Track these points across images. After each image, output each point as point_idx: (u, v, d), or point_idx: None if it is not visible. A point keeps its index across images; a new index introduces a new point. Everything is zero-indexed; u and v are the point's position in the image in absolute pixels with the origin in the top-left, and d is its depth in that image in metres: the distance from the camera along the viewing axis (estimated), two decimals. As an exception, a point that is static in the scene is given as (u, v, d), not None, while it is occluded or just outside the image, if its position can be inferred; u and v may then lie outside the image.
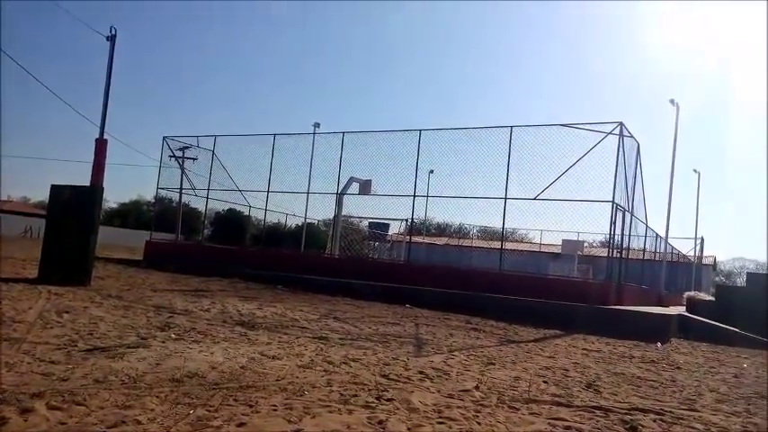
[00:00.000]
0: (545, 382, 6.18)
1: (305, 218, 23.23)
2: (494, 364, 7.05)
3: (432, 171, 20.15)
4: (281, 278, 17.07)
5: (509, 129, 16.97)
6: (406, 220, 20.93)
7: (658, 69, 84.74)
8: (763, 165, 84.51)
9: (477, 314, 13.01)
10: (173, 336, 6.88)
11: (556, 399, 5.33)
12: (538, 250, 34.35)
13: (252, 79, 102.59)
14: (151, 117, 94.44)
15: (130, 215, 59.75)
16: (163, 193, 26.06)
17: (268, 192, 21.96)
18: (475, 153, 17.95)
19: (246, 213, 26.06)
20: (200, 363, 5.45)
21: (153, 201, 32.88)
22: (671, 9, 77.73)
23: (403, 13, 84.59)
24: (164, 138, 24.62)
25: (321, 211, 23.25)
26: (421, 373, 5.96)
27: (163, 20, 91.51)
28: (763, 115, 78.67)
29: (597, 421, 4.66)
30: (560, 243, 29.27)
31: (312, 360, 6.11)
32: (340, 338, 7.94)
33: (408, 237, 21.59)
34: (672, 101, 24.62)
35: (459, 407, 4.70)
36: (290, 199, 22.36)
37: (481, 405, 4.83)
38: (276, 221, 28.44)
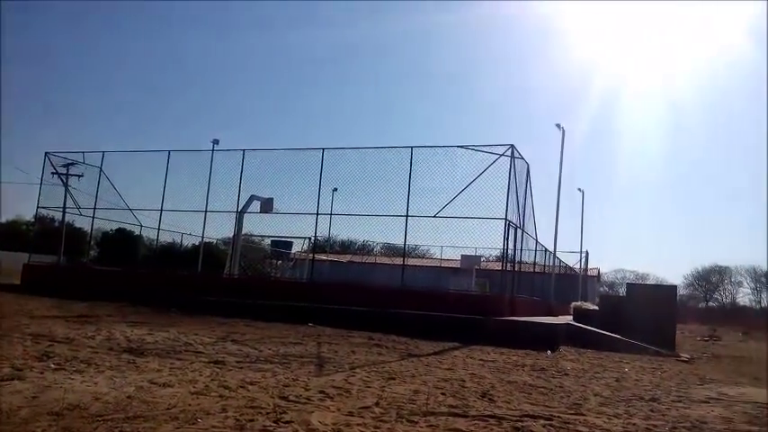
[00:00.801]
0: (443, 393, 6.31)
1: (202, 237, 22.44)
2: (394, 379, 7.12)
3: (335, 189, 20.18)
4: (176, 300, 16.31)
5: (409, 149, 17.45)
6: (310, 239, 20.79)
7: (550, 95, 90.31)
8: (643, 183, 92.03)
9: (380, 330, 13.10)
10: (52, 366, 6.37)
11: (453, 410, 5.46)
12: (439, 266, 35.21)
13: (148, 92, 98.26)
14: (33, 132, 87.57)
15: (7, 236, 54.88)
16: (44, 212, 24.26)
17: (161, 210, 21.01)
18: (378, 172, 18.28)
19: (138, 233, 24.69)
20: (82, 394, 5.07)
21: (33, 220, 30.42)
22: (561, 41, 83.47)
23: (305, 33, 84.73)
24: (46, 153, 22.99)
25: (220, 229, 22.55)
26: (321, 392, 5.89)
27: (45, 28, 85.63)
28: (645, 136, 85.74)
29: (491, 429, 4.81)
30: (460, 258, 30.22)
31: (206, 386, 5.86)
32: (237, 362, 7.69)
33: (311, 255, 21.42)
34: (558, 125, 26.45)
35: (358, 424, 4.69)
36: (187, 217, 21.54)
37: (381, 421, 4.85)
38: (171, 241, 27.21)
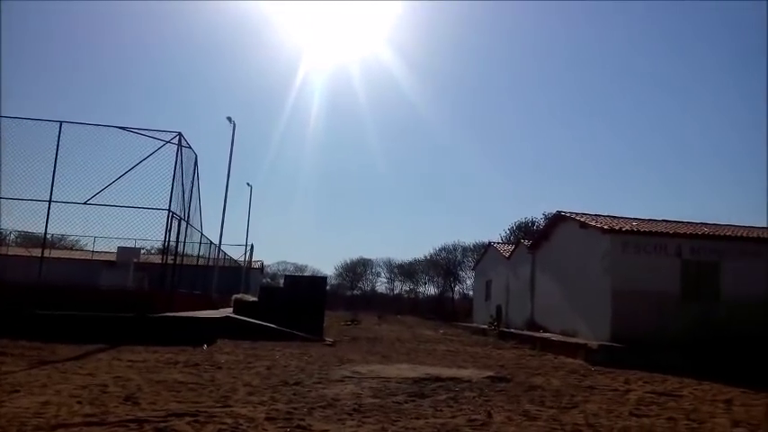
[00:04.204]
0: (79, 402, 5.70)
1: None
2: (19, 391, 6.14)
3: (-49, 163, 16.38)
4: None
5: (58, 124, 15.31)
6: None
7: (227, 89, 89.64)
8: (305, 179, 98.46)
9: (8, 335, 11.14)
10: None
11: (88, 419, 4.97)
12: (91, 258, 31.85)
13: None
14: None
15: None
16: None
17: None
18: (14, 147, 15.51)
19: None
20: None
21: None
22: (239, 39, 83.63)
23: None
24: None
25: None
26: None
27: None
28: (310, 135, 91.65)
29: (131, 435, 4.54)
30: (116, 251, 27.83)
31: None
32: None
33: None
34: (229, 118, 26.56)
35: (-41, 452, 3.90)
36: None
37: (-8, 444, 4.13)
38: None
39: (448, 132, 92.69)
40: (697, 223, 19.09)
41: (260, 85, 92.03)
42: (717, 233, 17.05)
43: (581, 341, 15.46)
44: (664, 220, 19.09)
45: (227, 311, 17.89)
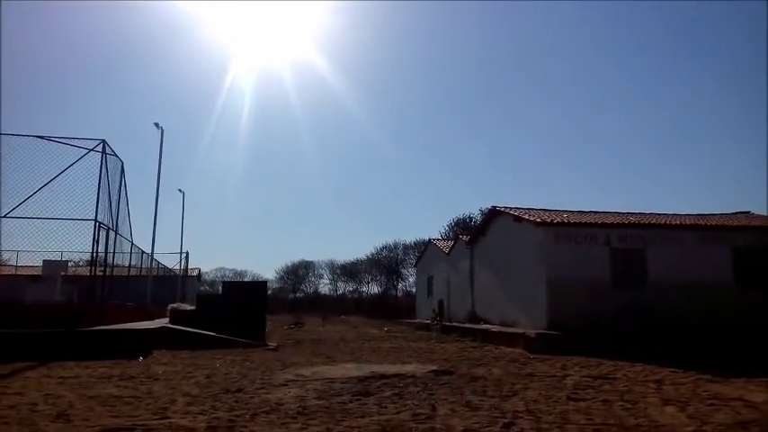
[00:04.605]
0: (6, 423, 5.39)
1: None
2: (-64, 418, 5.74)
3: None
4: None
5: (-27, 135, 14.44)
6: None
7: (154, 93, 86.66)
8: (239, 181, 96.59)
9: None
10: None
11: (14, 442, 4.70)
12: (14, 273, 30.15)
13: None
14: None
15: None
16: None
17: None
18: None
19: None
20: None
21: None
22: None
23: None
24: None
25: None
26: None
27: None
28: (241, 138, 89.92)
29: (61, 455, 4.32)
30: (41, 265, 26.46)
31: None
32: None
33: None
34: (156, 124, 25.71)
35: None
36: None
37: None
38: None
39: (380, 131, 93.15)
40: (624, 213, 19.98)
41: (188, 88, 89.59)
42: (642, 221, 17.91)
43: (520, 331, 15.89)
44: (592, 211, 19.87)
45: (163, 322, 17.32)
